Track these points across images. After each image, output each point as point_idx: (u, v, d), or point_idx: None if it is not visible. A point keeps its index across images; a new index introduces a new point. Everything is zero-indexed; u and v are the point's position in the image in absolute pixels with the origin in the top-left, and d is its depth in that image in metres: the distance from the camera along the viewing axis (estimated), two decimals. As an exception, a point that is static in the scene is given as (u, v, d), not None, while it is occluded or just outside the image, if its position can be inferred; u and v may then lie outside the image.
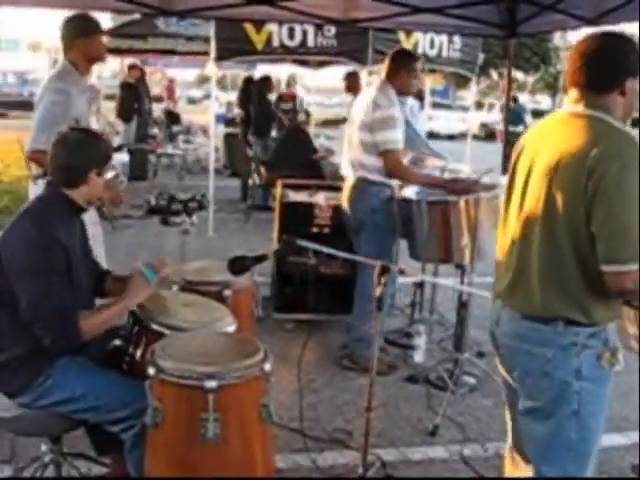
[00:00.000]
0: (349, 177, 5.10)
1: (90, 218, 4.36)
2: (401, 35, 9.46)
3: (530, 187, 2.51)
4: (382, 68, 5.16)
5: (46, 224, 2.83)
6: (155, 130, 14.97)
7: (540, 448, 2.58)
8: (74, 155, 2.94)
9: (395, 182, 4.95)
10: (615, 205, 2.26)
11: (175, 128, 16.24)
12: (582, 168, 2.30)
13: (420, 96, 13.01)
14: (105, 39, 4.54)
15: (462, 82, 39.72)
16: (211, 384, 2.48)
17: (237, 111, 12.92)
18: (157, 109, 18.34)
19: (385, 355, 5.18)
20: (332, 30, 9.05)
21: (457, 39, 10.13)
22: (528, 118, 29.79)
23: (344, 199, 5.17)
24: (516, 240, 2.59)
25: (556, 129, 2.50)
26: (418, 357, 5.31)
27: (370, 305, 4.92)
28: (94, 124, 5.05)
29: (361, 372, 4.96)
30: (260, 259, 3.19)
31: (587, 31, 2.70)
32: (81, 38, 4.32)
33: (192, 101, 41.47)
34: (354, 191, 5.03)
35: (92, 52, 4.37)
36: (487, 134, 28.95)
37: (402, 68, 4.99)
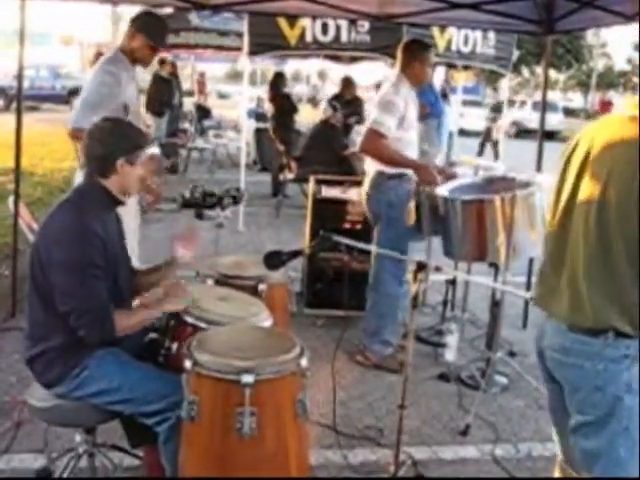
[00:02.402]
0: (369, 171, 5.10)
1: (131, 212, 4.40)
2: (435, 31, 9.41)
3: (582, 189, 2.41)
4: (397, 61, 5.13)
5: (84, 216, 2.85)
6: (186, 124, 15.04)
7: (591, 465, 2.48)
8: (101, 144, 2.96)
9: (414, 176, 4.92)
10: None
11: (206, 122, 16.31)
12: (637, 175, 2.22)
13: (444, 93, 12.99)
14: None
15: (493, 79, 39.51)
16: (248, 379, 2.48)
17: (267, 106, 12.92)
18: (188, 103, 18.44)
19: (400, 353, 5.12)
20: (366, 26, 9.01)
21: (491, 35, 10.06)
22: (558, 116, 29.69)
23: (363, 193, 5.18)
24: (564, 243, 2.49)
25: (613, 132, 2.39)
26: (450, 355, 5.27)
27: (385, 299, 4.95)
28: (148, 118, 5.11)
29: (371, 368, 5.03)
30: (295, 254, 3.19)
31: (622, 28, 2.64)
32: (132, 30, 4.34)
33: (222, 96, 41.60)
34: (372, 185, 5.04)
35: (134, 48, 4.38)
36: (518, 131, 28.72)
37: (414, 58, 4.98)
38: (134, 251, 4.48)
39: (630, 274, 2.29)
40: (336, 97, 12.16)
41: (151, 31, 4.39)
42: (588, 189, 2.38)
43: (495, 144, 17.47)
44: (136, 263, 4.32)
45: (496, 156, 16.49)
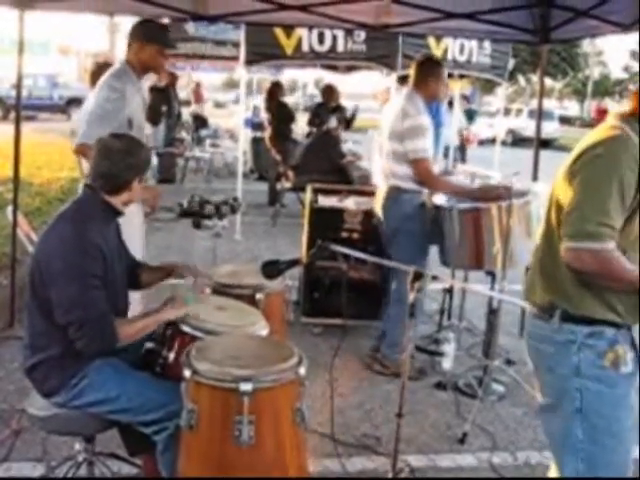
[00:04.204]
0: (382, 186, 5.13)
1: (137, 219, 4.42)
2: (431, 41, 9.45)
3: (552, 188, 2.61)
4: (410, 76, 5.16)
5: (84, 228, 2.87)
6: (183, 133, 15.07)
7: (555, 447, 2.65)
8: (119, 165, 2.99)
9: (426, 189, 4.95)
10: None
11: (203, 132, 16.33)
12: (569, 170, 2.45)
13: (450, 102, 13.07)
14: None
15: (488, 87, 39.61)
16: (246, 387, 2.49)
17: (264, 115, 12.96)
18: (184, 113, 18.45)
19: (414, 360, 5.17)
20: (362, 35, 9.05)
21: (487, 44, 10.11)
22: (554, 124, 29.76)
23: (378, 208, 5.20)
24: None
25: (588, 139, 2.50)
26: (447, 364, 5.28)
27: (403, 310, 4.96)
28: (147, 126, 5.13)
29: (392, 377, 4.99)
30: (293, 264, 3.21)
31: (618, 36, 2.78)
32: (139, 42, 4.36)
33: (219, 105, 41.67)
34: (387, 200, 5.06)
35: (146, 59, 4.39)
36: (514, 140, 28.79)
37: (429, 75, 5.01)
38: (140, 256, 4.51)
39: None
40: (320, 105, 12.21)
41: (159, 38, 4.42)
42: (550, 191, 2.59)
43: (462, 149, 17.48)
44: None
45: (462, 160, 16.62)
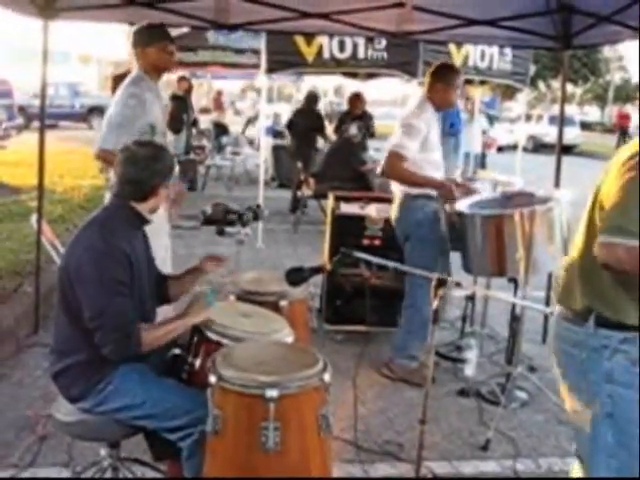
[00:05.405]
0: (396, 193, 5.19)
1: (164, 229, 4.48)
2: (452, 47, 9.45)
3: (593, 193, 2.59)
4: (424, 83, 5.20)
5: (112, 235, 2.91)
6: (204, 141, 15.14)
7: (585, 452, 2.63)
8: (145, 171, 3.02)
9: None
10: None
11: (223, 139, 16.42)
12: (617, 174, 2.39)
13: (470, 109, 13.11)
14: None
15: (509, 93, 39.49)
16: (272, 393, 2.51)
17: (292, 119, 13.13)
18: (205, 121, 18.55)
19: (425, 368, 5.14)
20: (382, 42, 9.08)
21: (508, 51, 10.11)
22: (575, 130, 29.60)
23: (392, 215, 5.27)
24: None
25: (623, 151, 2.49)
26: (469, 371, 5.28)
27: (417, 316, 4.97)
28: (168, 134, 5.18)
29: (391, 383, 5.05)
30: (317, 271, 3.22)
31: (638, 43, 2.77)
32: (142, 47, 4.43)
33: (238, 112, 41.75)
34: (400, 206, 5.14)
35: (153, 61, 4.46)
36: (535, 146, 28.67)
37: (440, 83, 5.04)
38: (167, 266, 4.55)
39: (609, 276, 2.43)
40: (346, 113, 12.30)
41: (157, 37, 4.50)
42: (594, 193, 2.55)
43: (482, 155, 17.48)
44: None
45: (482, 166, 16.67)
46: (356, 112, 11.87)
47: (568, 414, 2.73)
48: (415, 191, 4.98)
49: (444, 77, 5.04)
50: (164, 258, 4.40)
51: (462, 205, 4.82)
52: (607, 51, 46.66)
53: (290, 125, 12.56)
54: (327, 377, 2.69)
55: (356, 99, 12.05)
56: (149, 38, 4.47)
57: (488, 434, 4.31)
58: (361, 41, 9.01)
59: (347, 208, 6.03)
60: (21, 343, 5.41)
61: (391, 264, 3.16)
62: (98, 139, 4.36)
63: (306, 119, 12.12)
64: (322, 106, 18.78)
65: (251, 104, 30.22)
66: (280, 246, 9.35)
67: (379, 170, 5.08)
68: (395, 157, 4.86)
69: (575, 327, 2.55)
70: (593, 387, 2.52)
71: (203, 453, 2.74)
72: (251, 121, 21.85)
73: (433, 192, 4.96)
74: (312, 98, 12.84)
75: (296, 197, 11.24)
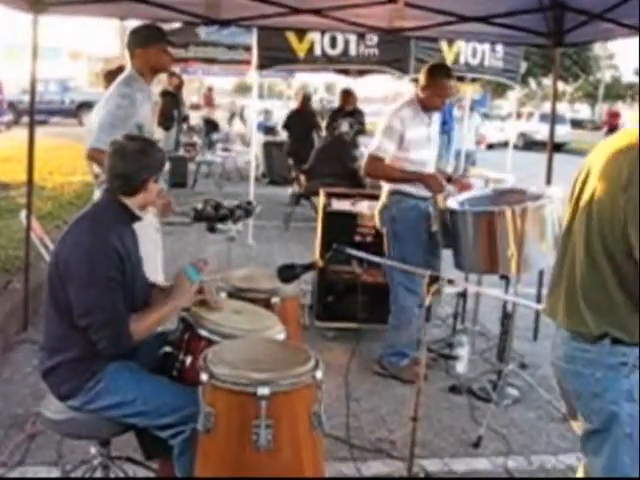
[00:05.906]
0: (383, 188, 5.23)
1: (152, 225, 4.46)
2: (443, 44, 9.45)
3: (579, 204, 2.46)
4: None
5: (102, 231, 2.88)
6: (195, 138, 15.10)
7: (600, 473, 2.48)
8: (134, 164, 2.99)
9: (424, 193, 4.94)
10: None
11: (214, 136, 16.38)
12: (617, 188, 2.24)
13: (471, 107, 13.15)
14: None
15: (499, 91, 39.57)
16: (264, 391, 2.49)
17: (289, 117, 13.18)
18: (196, 117, 18.51)
19: (417, 365, 5.13)
20: (374, 39, 9.06)
21: (499, 48, 10.11)
22: (566, 127, 29.67)
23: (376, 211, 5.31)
24: (564, 253, 2.55)
25: (614, 146, 2.38)
26: (460, 368, 5.28)
27: (399, 313, 4.97)
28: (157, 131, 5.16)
29: (383, 380, 5.06)
30: (309, 267, 3.21)
31: (630, 40, 2.64)
32: (141, 48, 4.41)
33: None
34: (381, 202, 5.19)
35: (152, 62, 4.46)
36: (526, 143, 28.73)
37: (428, 83, 5.00)
38: (157, 264, 4.53)
39: (620, 292, 2.31)
40: (338, 110, 12.31)
41: (158, 38, 4.49)
42: (583, 203, 2.42)
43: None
44: (160, 276, 4.37)
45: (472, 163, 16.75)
46: (347, 109, 11.88)
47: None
48: (391, 187, 5.04)
49: (433, 79, 4.98)
50: (154, 254, 4.39)
51: (453, 202, 4.81)
52: (598, 49, 46.81)
53: (287, 125, 12.58)
54: (319, 374, 2.67)
55: (347, 95, 12.06)
56: (147, 39, 4.45)
57: (480, 431, 4.31)
58: (353, 38, 8.98)
59: (338, 205, 6.02)
60: (10, 340, 5.37)
61: (381, 260, 3.15)
62: (88, 138, 4.33)
63: (303, 119, 12.21)
64: (313, 103, 18.76)
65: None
66: (271, 243, 9.34)
67: (362, 172, 5.13)
68: (373, 160, 4.95)
69: (587, 345, 2.40)
70: (610, 407, 2.38)
71: (194, 451, 2.72)
72: (235, 115, 21.93)
73: (414, 188, 4.94)
74: (307, 98, 13.10)
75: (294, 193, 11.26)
